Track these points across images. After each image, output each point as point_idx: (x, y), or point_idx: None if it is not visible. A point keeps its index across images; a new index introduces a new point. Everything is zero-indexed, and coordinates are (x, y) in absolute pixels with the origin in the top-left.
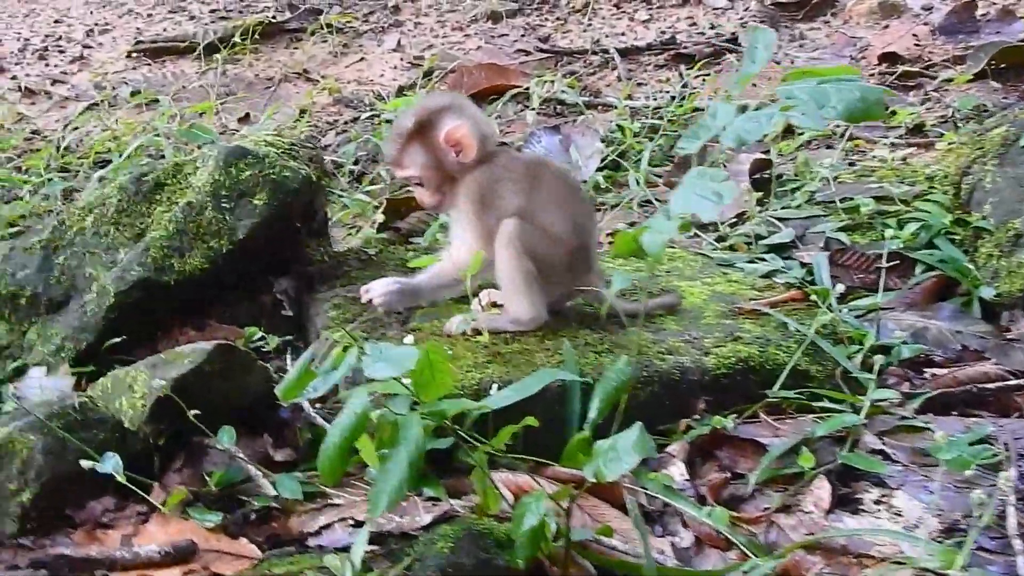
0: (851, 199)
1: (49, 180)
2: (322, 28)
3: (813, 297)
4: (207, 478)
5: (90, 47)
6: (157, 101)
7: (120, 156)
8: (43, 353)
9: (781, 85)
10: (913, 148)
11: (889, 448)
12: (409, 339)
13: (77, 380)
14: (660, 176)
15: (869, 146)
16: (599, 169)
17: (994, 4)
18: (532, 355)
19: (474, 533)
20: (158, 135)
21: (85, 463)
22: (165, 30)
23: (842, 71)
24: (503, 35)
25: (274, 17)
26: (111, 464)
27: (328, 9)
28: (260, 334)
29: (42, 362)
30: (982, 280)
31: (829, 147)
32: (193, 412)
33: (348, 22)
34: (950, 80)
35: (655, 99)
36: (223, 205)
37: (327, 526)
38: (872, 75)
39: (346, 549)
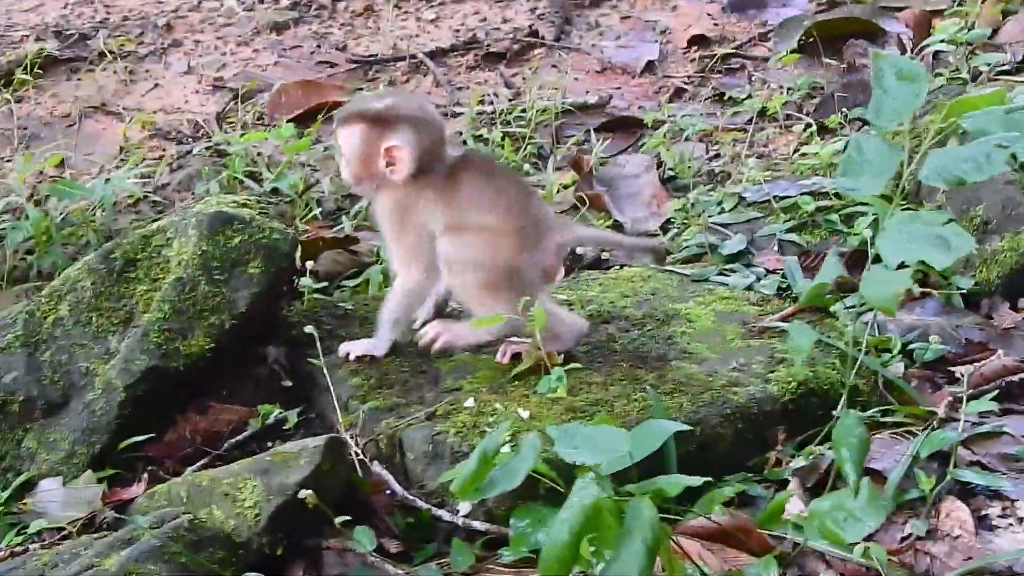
0: (786, 197)
1: None
2: (101, 56)
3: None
4: None
5: None
6: None
7: None
8: (50, 462)
9: (953, 115)
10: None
11: (983, 458)
12: (525, 413)
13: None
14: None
15: (726, 135)
16: None
17: None
18: (610, 405)
19: None
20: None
21: None
22: None
23: (994, 97)
24: (295, 47)
25: (42, 48)
26: None
27: (95, 34)
28: (277, 411)
29: (51, 472)
30: (953, 270)
31: (687, 140)
32: (339, 519)
33: (123, 46)
34: (766, 60)
35: (491, 103)
36: (216, 277)
37: None
38: (691, 60)
39: None
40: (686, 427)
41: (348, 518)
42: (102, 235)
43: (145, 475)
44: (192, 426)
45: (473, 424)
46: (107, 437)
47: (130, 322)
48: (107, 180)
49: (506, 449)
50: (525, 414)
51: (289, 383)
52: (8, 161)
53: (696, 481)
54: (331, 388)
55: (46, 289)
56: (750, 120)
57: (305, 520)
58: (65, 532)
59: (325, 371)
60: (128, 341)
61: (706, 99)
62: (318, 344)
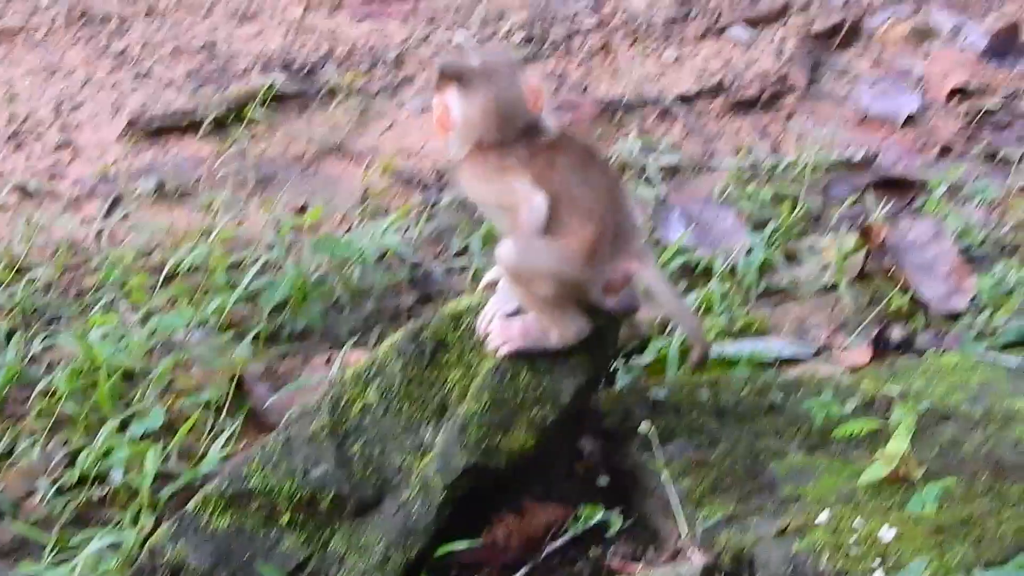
0: None
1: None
2: (331, 92)
3: None
4: None
5: (68, 129)
6: (189, 194)
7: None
8: (360, 568)
9: None
10: None
11: None
12: (890, 534)
13: None
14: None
15: (1018, 201)
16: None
17: None
18: (980, 525)
19: None
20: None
21: None
22: (146, 104)
23: None
24: None
25: (272, 83)
26: None
27: (322, 66)
28: (601, 513)
29: None
30: None
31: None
32: None
33: (353, 81)
34: None
35: (749, 154)
36: (538, 366)
37: None
38: (955, 115)
39: None
40: None
41: None
42: (355, 293)
43: None
44: (507, 529)
45: (835, 544)
46: (425, 540)
47: (443, 412)
48: (368, 233)
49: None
50: (889, 535)
51: (606, 480)
52: (244, 207)
53: None
54: (672, 495)
55: (349, 372)
56: None
57: None
58: None
59: (666, 475)
60: (445, 435)
61: (978, 158)
62: (656, 443)
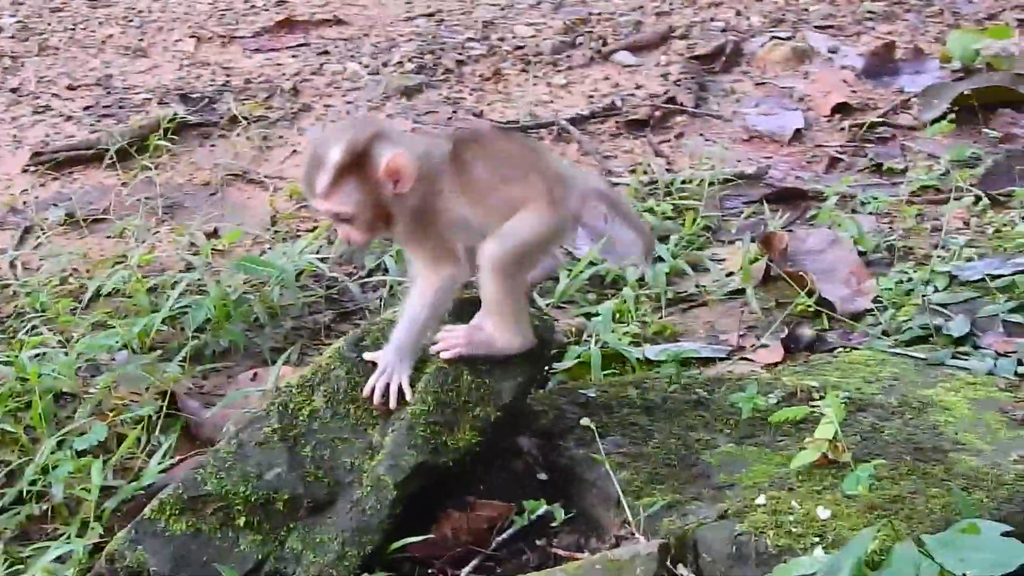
0: (999, 276)
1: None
2: (232, 121)
3: None
4: None
5: None
6: (100, 221)
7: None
8: (318, 564)
9: None
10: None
11: None
12: (825, 513)
13: None
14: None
15: (907, 209)
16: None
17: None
18: (910, 503)
19: None
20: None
21: None
22: (48, 137)
23: None
24: (429, 111)
25: (174, 114)
26: None
27: (220, 97)
28: (544, 507)
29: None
30: None
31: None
32: None
33: (253, 111)
34: (914, 128)
35: (645, 172)
36: (479, 367)
37: None
38: (839, 130)
39: None
40: None
41: None
42: (274, 312)
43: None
44: (454, 524)
45: (775, 524)
46: (379, 537)
47: (390, 414)
48: (284, 253)
49: (818, 552)
50: (826, 514)
51: (545, 476)
52: (155, 232)
53: None
54: (614, 484)
55: (295, 379)
56: (915, 192)
57: None
58: None
59: (607, 465)
60: (393, 435)
61: (863, 170)
62: (598, 438)
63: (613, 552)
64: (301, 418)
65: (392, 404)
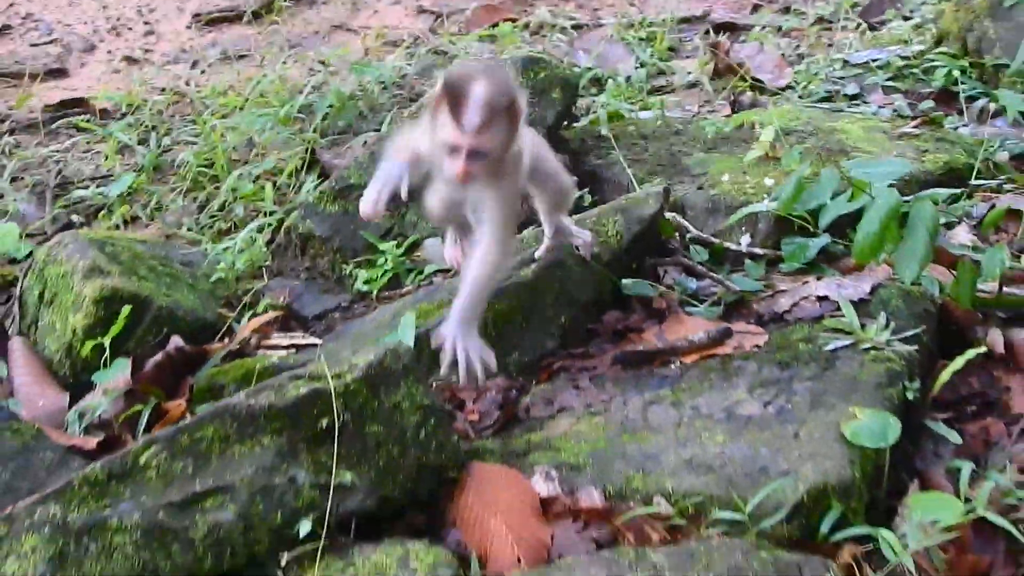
0: (878, 59)
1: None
2: None
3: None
4: (674, 289)
5: (150, 23)
6: (244, 57)
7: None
8: (428, 228)
9: None
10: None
11: None
12: (771, 181)
13: None
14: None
15: (810, 30)
16: None
17: None
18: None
19: None
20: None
21: None
22: (201, 4)
23: None
24: None
25: None
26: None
27: None
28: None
29: (430, 235)
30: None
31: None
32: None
33: None
34: None
35: (624, 17)
36: (531, 100)
37: (796, 304)
38: None
39: (820, 318)
40: None
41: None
42: (373, 106)
43: None
44: None
45: (737, 190)
46: None
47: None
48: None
49: (766, 202)
50: (771, 182)
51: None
52: (284, 62)
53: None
54: (627, 170)
55: (412, 108)
56: (814, 22)
57: (651, 244)
58: (451, 272)
59: (622, 160)
60: None
61: (778, 10)
62: (614, 143)
63: (630, 195)
64: None
65: (481, 380)
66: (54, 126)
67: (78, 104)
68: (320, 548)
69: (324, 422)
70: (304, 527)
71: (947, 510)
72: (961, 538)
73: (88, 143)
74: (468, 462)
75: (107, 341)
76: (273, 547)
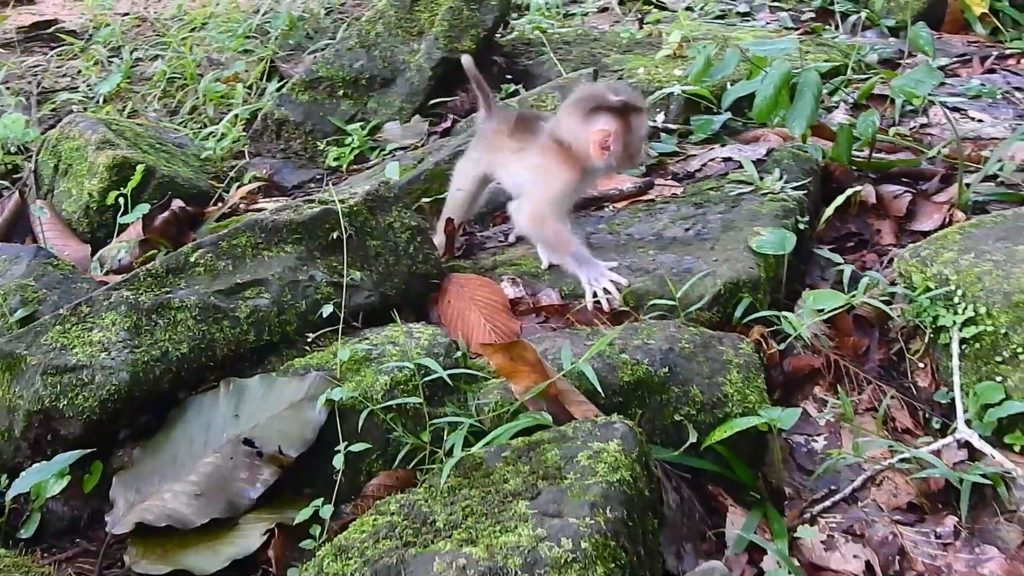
0: None
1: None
2: None
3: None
4: None
5: None
6: None
7: None
8: (388, 114)
9: None
10: None
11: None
12: (680, 72)
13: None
14: None
15: None
16: None
17: None
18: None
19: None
20: None
21: None
22: None
23: None
24: None
25: None
26: None
27: None
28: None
29: (390, 119)
30: (879, 14)
31: None
32: None
33: None
34: None
35: None
36: (472, 6)
37: (705, 164)
38: None
39: (725, 175)
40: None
41: None
42: (318, 27)
43: (450, 117)
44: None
45: (650, 79)
46: (422, 98)
47: (422, 33)
48: None
49: (677, 87)
50: (679, 72)
51: (510, 78)
52: None
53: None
54: (557, 64)
55: (367, 15)
56: None
57: None
58: (409, 146)
59: (553, 56)
60: (425, 44)
61: None
62: (546, 42)
63: (564, 76)
64: (372, 36)
65: (617, 302)
66: (29, 45)
67: (49, 24)
68: (340, 329)
69: (334, 235)
70: (326, 310)
71: (834, 300)
72: (844, 323)
73: (61, 57)
74: (448, 273)
75: (128, 192)
76: (300, 328)
